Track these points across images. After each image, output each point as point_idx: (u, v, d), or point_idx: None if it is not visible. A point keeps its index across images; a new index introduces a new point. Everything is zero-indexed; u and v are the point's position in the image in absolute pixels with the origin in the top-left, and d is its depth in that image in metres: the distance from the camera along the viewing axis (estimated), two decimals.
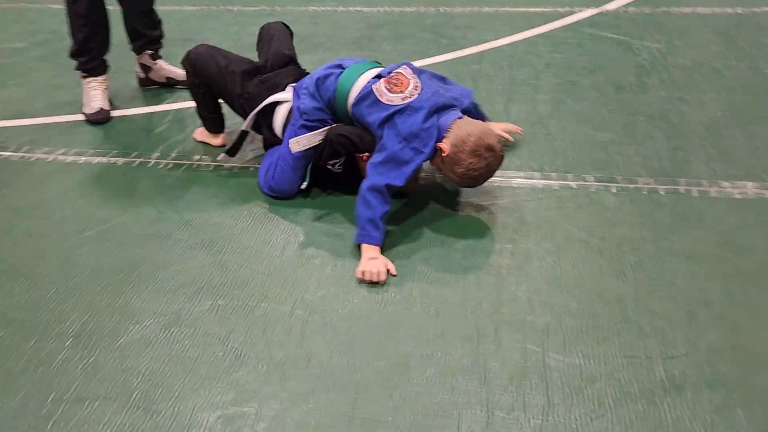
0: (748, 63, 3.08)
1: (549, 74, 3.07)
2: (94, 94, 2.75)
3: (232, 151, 2.39)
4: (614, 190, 2.18)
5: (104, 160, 2.52)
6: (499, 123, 2.46)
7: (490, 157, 1.96)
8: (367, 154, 2.10)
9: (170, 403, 1.48)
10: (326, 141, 2.12)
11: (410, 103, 1.99)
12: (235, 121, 2.54)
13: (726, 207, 2.08)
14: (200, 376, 1.55)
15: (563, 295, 1.75)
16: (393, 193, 1.99)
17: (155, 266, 1.92)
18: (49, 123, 2.82)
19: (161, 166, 2.46)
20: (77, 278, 1.88)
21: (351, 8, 4.15)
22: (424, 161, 2.02)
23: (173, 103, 2.98)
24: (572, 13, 3.86)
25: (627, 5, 3.95)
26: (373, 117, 2.02)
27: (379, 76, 2.10)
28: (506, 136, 2.41)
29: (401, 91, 2.02)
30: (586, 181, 2.24)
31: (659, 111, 2.68)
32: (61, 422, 1.44)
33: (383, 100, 2.01)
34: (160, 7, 3.03)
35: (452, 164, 1.98)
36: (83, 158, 2.53)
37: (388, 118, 1.99)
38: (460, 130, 1.97)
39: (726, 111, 2.66)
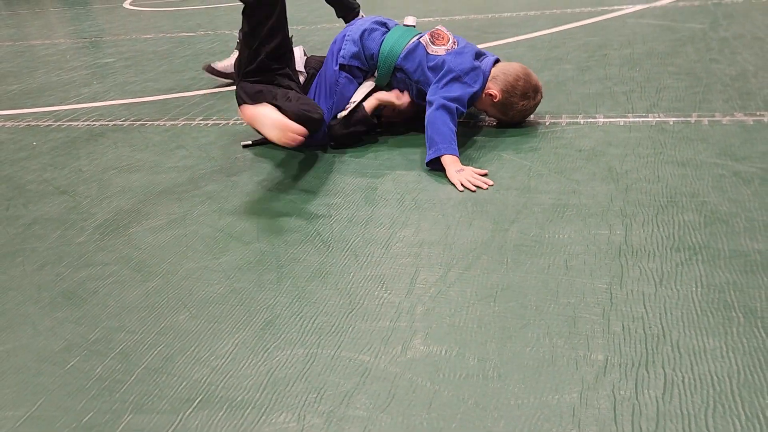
0: None
1: (580, 51, 3.11)
2: None
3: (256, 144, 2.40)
4: (621, 123, 2.18)
5: None
6: None
7: (539, 97, 2.19)
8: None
9: None
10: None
11: (455, 49, 2.18)
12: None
13: (735, 130, 2.03)
14: None
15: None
16: (458, 116, 2.07)
17: None
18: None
19: None
20: None
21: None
22: (471, 99, 2.13)
23: None
24: (619, 9, 3.90)
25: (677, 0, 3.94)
26: (422, 63, 2.18)
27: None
28: None
29: (443, 44, 2.21)
30: (595, 118, 2.25)
31: (687, 69, 2.66)
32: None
33: (430, 51, 2.20)
34: None
35: (504, 108, 2.18)
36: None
37: (439, 66, 2.15)
38: (507, 75, 2.14)
39: (759, 63, 2.60)
